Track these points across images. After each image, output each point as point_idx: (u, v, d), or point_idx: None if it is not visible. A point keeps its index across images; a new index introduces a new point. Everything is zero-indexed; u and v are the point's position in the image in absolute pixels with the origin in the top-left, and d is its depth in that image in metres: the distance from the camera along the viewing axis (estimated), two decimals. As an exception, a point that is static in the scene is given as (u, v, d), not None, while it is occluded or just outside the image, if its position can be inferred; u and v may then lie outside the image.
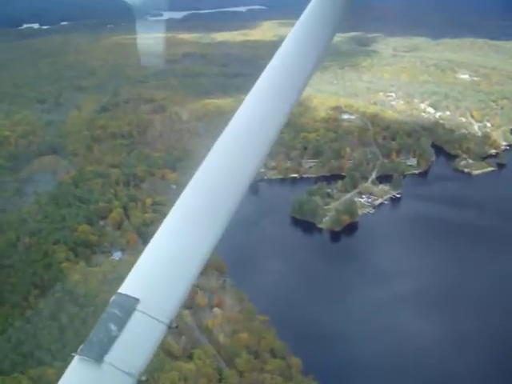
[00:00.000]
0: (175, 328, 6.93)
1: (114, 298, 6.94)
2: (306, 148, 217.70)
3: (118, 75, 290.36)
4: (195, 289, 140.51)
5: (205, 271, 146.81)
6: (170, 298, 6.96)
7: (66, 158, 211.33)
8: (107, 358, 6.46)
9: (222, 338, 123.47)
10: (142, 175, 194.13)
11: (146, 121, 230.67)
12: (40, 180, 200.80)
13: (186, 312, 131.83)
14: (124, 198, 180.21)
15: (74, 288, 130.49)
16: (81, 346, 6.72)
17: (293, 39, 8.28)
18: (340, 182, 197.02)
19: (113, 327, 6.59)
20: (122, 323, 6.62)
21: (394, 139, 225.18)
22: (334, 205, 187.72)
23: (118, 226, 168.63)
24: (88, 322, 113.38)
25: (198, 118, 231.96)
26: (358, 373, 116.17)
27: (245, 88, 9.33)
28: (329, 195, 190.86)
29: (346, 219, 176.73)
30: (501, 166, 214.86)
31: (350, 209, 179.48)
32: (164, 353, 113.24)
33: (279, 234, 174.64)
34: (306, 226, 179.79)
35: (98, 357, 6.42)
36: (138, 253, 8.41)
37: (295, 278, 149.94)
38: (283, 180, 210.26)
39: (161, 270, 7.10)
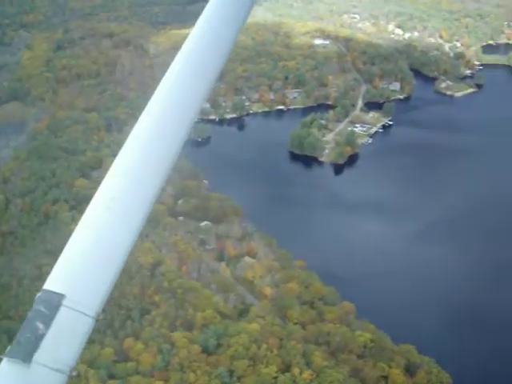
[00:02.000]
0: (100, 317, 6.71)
1: (39, 295, 6.57)
2: (287, 78, 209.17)
3: (61, 8, 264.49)
4: (223, 238, 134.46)
5: (223, 218, 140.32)
6: (95, 291, 6.73)
7: (32, 104, 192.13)
8: (36, 357, 6.16)
9: (268, 291, 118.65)
10: (124, 118, 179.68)
11: (113, 58, 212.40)
12: (9, 132, 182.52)
13: (222, 265, 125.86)
14: (112, 145, 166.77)
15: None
16: (8, 348, 6.35)
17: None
18: (331, 112, 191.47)
19: (40, 325, 6.31)
20: (48, 320, 6.33)
21: (373, 64, 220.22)
22: (330, 136, 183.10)
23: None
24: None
25: (166, 52, 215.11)
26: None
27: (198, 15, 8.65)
28: (324, 126, 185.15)
29: (348, 151, 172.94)
30: (479, 86, 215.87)
31: (351, 140, 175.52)
32: (217, 313, 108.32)
33: (283, 171, 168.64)
34: (307, 160, 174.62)
35: (27, 357, 6.15)
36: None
37: (314, 218, 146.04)
38: (268, 113, 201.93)
39: (84, 263, 6.79)
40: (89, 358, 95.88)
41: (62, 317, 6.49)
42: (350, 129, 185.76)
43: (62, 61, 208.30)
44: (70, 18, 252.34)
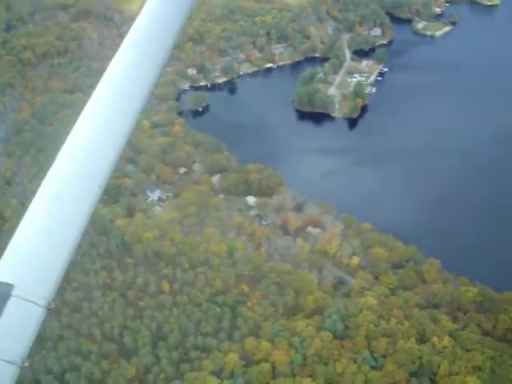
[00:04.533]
0: (54, 308, 6.52)
1: None
2: (268, 33, 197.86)
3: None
4: (278, 211, 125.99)
5: (267, 190, 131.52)
6: (45, 280, 6.57)
7: (1, 92, 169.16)
8: None
9: (356, 261, 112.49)
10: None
11: (78, 31, 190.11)
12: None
13: (298, 240, 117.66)
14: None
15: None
16: None
17: None
18: (327, 64, 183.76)
19: None
20: None
21: (347, 11, 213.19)
22: (332, 90, 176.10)
23: (128, 159, 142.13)
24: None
25: (132, 18, 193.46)
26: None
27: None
28: (324, 80, 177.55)
29: (360, 103, 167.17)
30: (453, 23, 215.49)
31: (360, 91, 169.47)
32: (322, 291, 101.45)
33: (300, 132, 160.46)
34: (319, 117, 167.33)
35: None
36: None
37: (357, 177, 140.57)
38: (258, 72, 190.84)
39: (33, 251, 6.63)
40: (213, 368, 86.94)
41: (12, 307, 6.20)
42: (349, 80, 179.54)
43: (21, 40, 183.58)
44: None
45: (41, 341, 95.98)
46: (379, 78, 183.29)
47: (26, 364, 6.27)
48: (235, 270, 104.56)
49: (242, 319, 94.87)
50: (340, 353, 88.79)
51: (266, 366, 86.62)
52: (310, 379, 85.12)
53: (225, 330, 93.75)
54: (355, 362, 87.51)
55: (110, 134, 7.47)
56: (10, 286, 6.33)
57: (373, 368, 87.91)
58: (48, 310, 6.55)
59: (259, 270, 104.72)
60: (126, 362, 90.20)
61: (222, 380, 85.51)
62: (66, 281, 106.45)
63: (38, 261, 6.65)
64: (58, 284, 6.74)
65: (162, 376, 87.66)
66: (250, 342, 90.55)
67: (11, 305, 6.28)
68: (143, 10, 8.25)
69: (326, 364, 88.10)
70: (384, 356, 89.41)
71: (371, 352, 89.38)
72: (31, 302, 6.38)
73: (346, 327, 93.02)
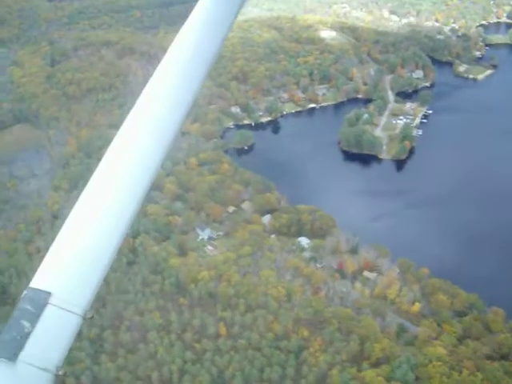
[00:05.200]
0: (91, 319, 6.51)
1: (25, 293, 6.43)
2: (311, 74, 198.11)
3: (34, 20, 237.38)
4: (331, 254, 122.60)
5: (319, 231, 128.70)
6: (82, 289, 6.57)
7: (46, 125, 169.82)
8: (22, 356, 6.02)
9: (417, 307, 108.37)
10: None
11: (122, 68, 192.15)
12: (27, 158, 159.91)
13: (357, 285, 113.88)
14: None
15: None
16: None
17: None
18: (371, 106, 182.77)
19: (25, 323, 6.17)
20: (34, 318, 6.20)
21: (387, 52, 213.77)
22: (378, 131, 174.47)
23: (177, 196, 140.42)
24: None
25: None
26: None
27: (186, 16, 7.72)
28: (370, 122, 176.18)
29: (408, 145, 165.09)
30: (494, 66, 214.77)
31: (408, 133, 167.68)
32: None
33: (349, 174, 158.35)
34: (365, 159, 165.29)
35: (12, 356, 6.01)
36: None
37: (411, 219, 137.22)
38: (301, 112, 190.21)
39: (72, 260, 6.64)
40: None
41: (49, 315, 6.20)
42: (394, 121, 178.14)
43: (66, 75, 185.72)
44: (49, 29, 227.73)
45: (96, 382, 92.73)
46: (424, 121, 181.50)
47: (61, 372, 6.17)
48: (295, 314, 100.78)
49: (306, 366, 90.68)
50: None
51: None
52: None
53: (289, 377, 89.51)
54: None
55: (149, 148, 7.31)
56: (47, 294, 6.30)
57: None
58: (84, 319, 6.47)
59: (320, 315, 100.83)
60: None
61: None
62: (119, 320, 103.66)
63: (76, 270, 6.61)
64: (95, 294, 6.64)
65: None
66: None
67: (48, 313, 6.22)
68: (182, 30, 7.88)
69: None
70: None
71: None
72: (68, 310, 6.32)
73: (417, 378, 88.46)
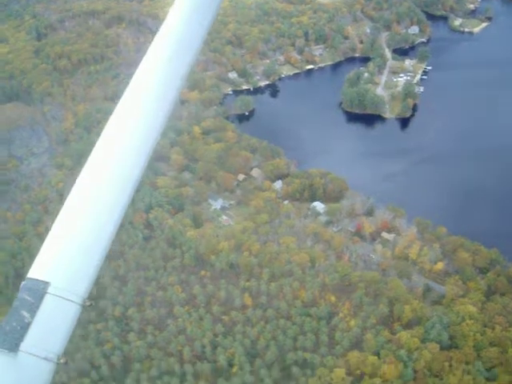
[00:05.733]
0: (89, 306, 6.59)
1: (23, 283, 6.44)
2: (306, 34, 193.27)
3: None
4: (348, 216, 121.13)
5: (332, 194, 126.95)
6: (80, 277, 6.59)
7: (40, 102, 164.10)
8: (22, 346, 6.08)
9: (440, 266, 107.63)
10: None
11: (112, 38, 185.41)
12: (24, 137, 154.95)
13: (378, 246, 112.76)
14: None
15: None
16: None
17: None
18: (370, 64, 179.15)
19: (25, 314, 6.22)
20: (34, 309, 6.25)
21: (381, 9, 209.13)
22: (379, 90, 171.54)
23: (184, 167, 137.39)
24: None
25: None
26: None
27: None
28: (371, 81, 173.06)
29: (411, 102, 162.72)
30: (489, 19, 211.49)
31: (410, 91, 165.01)
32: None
33: (355, 135, 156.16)
34: (368, 119, 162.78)
35: (13, 346, 6.06)
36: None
37: (422, 177, 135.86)
38: (299, 74, 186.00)
39: (69, 249, 6.63)
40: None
41: (48, 304, 6.30)
42: (395, 79, 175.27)
43: (55, 48, 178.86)
44: (30, 2, 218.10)
45: (127, 362, 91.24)
46: (424, 77, 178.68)
47: (62, 361, 6.18)
48: (321, 280, 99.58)
49: (339, 332, 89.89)
50: (451, 364, 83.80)
51: (377, 381, 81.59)
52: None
53: (324, 343, 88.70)
54: (469, 373, 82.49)
55: (144, 127, 7.22)
56: (46, 284, 6.29)
57: (487, 379, 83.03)
58: (83, 307, 6.49)
59: (347, 280, 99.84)
60: (226, 381, 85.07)
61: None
62: (142, 296, 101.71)
63: (73, 259, 6.58)
64: (93, 282, 6.63)
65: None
66: (354, 355, 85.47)
67: (47, 302, 6.24)
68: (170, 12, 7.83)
69: (437, 377, 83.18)
70: (494, 366, 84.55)
71: (483, 363, 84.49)
72: (66, 299, 6.35)
73: (451, 337, 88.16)
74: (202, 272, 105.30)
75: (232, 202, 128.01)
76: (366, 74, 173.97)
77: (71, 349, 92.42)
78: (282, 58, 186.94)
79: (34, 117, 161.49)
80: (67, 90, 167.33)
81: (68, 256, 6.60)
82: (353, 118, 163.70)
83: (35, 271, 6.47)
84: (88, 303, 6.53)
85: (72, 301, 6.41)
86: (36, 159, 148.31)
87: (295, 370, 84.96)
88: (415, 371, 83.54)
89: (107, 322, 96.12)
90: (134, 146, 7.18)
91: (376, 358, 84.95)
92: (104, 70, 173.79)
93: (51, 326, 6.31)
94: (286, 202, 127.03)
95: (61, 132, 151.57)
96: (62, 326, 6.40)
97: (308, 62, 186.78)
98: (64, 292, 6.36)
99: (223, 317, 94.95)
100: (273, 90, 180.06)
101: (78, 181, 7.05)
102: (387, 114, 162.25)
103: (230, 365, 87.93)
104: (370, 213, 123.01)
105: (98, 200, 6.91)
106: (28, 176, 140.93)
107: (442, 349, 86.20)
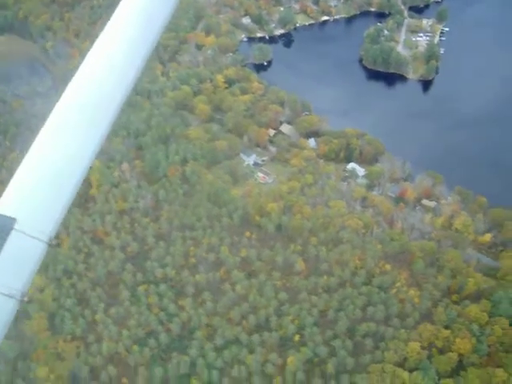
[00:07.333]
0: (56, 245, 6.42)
1: None
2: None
3: None
4: (387, 180, 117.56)
5: (368, 156, 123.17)
6: (48, 215, 6.50)
7: (40, 36, 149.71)
8: None
9: (488, 237, 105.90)
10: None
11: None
12: (26, 74, 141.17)
13: (426, 216, 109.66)
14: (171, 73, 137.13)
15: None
16: None
17: None
18: (390, 21, 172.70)
19: None
20: None
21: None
22: (400, 48, 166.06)
23: (210, 118, 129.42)
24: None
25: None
26: None
27: None
28: (391, 38, 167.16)
29: (434, 64, 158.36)
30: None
31: (434, 52, 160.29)
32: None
33: (382, 94, 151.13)
34: (390, 78, 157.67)
35: None
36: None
37: (457, 142, 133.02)
38: (313, 25, 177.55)
39: (37, 186, 6.57)
40: (397, 359, 79.85)
41: (14, 241, 6.12)
42: (414, 39, 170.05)
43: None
44: None
45: (185, 330, 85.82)
46: (443, 38, 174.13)
47: (26, 299, 6.02)
48: (380, 248, 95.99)
49: (408, 303, 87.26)
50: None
51: (454, 356, 79.82)
52: (501, 369, 78.87)
53: (393, 315, 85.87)
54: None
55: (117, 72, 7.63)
56: (12, 220, 6.08)
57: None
58: (49, 245, 6.27)
59: (405, 249, 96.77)
60: (296, 352, 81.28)
61: (411, 372, 78.33)
62: (187, 258, 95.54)
63: (41, 197, 6.36)
64: (61, 220, 6.37)
65: (340, 368, 79.43)
66: (427, 329, 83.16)
67: (13, 239, 6.04)
68: None
69: (508, 352, 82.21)
70: None
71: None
72: (33, 237, 6.15)
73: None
74: (247, 233, 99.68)
75: (265, 158, 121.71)
76: (385, 31, 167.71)
77: (124, 313, 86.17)
78: (296, 7, 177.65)
79: (31, 52, 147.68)
80: (69, 24, 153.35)
81: (36, 193, 6.27)
82: (374, 75, 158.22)
83: (2, 206, 6.10)
84: (55, 242, 6.25)
85: (38, 239, 6.10)
86: (41, 99, 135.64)
87: (368, 342, 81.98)
88: (488, 346, 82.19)
89: (157, 285, 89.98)
90: (111, 79, 7.71)
91: (449, 331, 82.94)
92: (107, 5, 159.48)
93: (17, 263, 6.03)
94: (321, 162, 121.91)
95: (67, 70, 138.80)
96: (28, 263, 6.12)
97: (323, 13, 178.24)
98: (30, 229, 6.08)
99: (286, 283, 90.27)
100: (288, 39, 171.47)
101: (48, 120, 6.95)
102: (410, 75, 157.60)
103: (299, 335, 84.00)
104: (409, 178, 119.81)
105: (68, 141, 6.60)
106: (36, 117, 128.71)
107: (510, 324, 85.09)
